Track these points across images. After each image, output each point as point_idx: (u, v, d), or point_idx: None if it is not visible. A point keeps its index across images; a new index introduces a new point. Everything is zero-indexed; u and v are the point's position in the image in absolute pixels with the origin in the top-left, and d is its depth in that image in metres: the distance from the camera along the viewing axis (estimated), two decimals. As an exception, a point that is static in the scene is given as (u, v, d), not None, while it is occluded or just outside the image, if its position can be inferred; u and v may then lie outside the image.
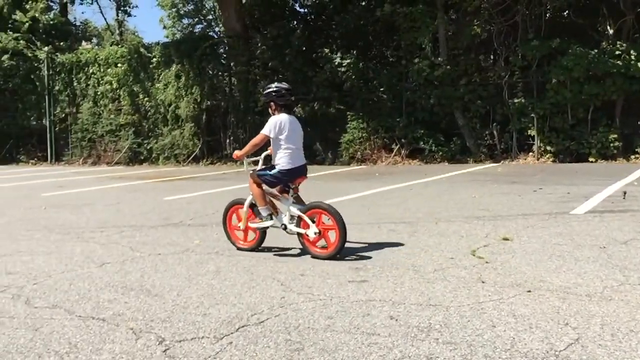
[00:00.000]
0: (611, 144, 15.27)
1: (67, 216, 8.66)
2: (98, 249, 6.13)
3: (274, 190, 5.75)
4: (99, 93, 22.72)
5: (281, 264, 5.17)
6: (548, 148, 15.97)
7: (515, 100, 16.33)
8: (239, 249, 5.91)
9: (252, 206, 5.80)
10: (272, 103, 5.70)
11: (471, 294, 4.12)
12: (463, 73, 16.94)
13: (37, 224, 7.92)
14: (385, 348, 3.18)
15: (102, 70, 22.62)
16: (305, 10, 21.17)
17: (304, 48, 19.07)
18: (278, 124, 5.54)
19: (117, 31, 36.64)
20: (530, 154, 16.29)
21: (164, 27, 36.98)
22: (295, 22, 20.63)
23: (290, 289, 4.38)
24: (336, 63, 17.88)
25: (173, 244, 6.27)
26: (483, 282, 4.39)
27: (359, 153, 17.86)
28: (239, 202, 5.98)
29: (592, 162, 15.24)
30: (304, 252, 5.59)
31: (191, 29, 34.92)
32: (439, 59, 17.10)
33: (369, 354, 3.11)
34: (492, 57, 18.14)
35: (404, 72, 17.75)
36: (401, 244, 5.88)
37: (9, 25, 24.15)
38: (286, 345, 3.27)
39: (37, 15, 24.60)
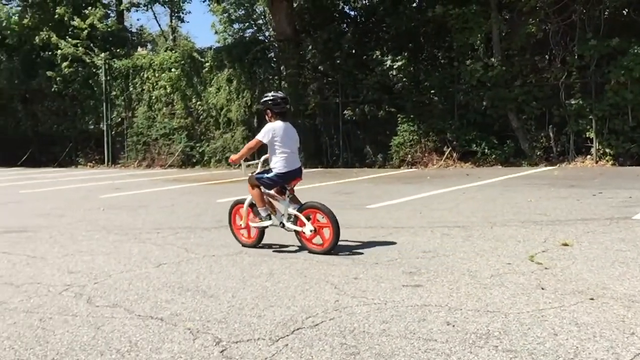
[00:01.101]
0: (674, 147, 14.65)
1: (124, 217, 8.90)
2: (154, 250, 6.27)
3: (272, 192, 6.08)
4: (153, 97, 23.34)
5: (334, 267, 5.16)
6: (607, 151, 15.44)
7: (573, 102, 15.83)
8: (243, 245, 6.28)
9: (252, 206, 6.17)
10: (268, 111, 6.05)
11: (530, 300, 4.00)
12: (518, 74, 16.57)
13: (96, 225, 8.17)
14: (443, 354, 3.12)
15: (156, 75, 23.22)
16: (356, 12, 21.16)
17: (354, 50, 19.05)
18: (271, 130, 5.90)
19: (171, 37, 37.50)
20: (589, 156, 15.78)
21: (216, 32, 37.62)
22: (345, 25, 20.65)
23: (344, 292, 4.36)
24: (387, 65, 17.76)
25: (226, 246, 6.34)
26: (543, 289, 4.26)
27: (409, 156, 17.72)
28: (241, 202, 6.35)
29: (654, 165, 14.65)
30: (302, 248, 5.92)
31: (242, 33, 35.38)
32: (492, 59, 16.78)
33: (426, 360, 3.07)
34: (547, 57, 17.66)
35: (455, 74, 17.51)
36: (455, 248, 5.77)
37: (69, 33, 25.03)
38: (342, 349, 3.25)
39: (95, 22, 25.43)
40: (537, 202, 8.84)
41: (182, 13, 35.21)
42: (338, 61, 18.81)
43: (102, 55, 24.57)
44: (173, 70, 22.51)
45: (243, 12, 36.03)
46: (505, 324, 3.54)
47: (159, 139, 23.05)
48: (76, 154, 25.78)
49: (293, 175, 6.01)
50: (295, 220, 5.89)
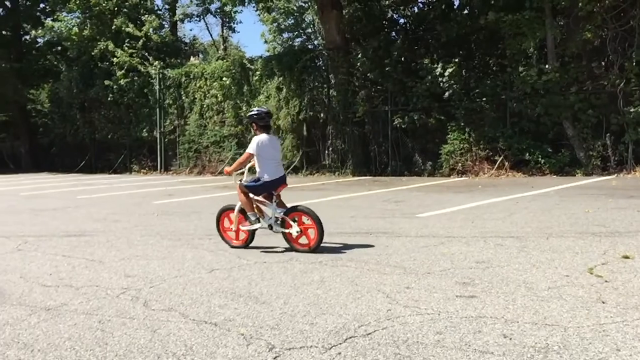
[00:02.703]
0: None
1: (177, 223, 9.08)
2: (207, 255, 6.36)
3: (261, 198, 6.65)
4: (204, 106, 23.78)
5: (385, 276, 5.12)
6: (668, 160, 14.83)
7: (632, 109, 15.28)
8: (232, 247, 6.78)
9: (242, 211, 6.73)
10: (253, 124, 6.75)
11: (591, 314, 3.87)
12: (573, 81, 16.12)
13: (151, 230, 8.36)
14: (500, 368, 3.05)
15: (208, 84, 23.67)
16: (405, 20, 21.05)
17: (404, 58, 18.94)
18: (259, 143, 6.52)
19: (222, 46, 38.22)
20: (648, 166, 15.18)
21: (265, 42, 38.14)
22: (395, 33, 20.57)
23: (396, 301, 4.32)
24: (437, 73, 17.58)
25: (278, 253, 6.39)
26: (603, 303, 4.11)
27: (459, 164, 17.44)
28: (229, 208, 6.94)
29: None
30: (289, 249, 6.46)
31: (291, 42, 35.74)
32: (547, 66, 16.38)
33: (483, 373, 3.00)
34: (604, 64, 17.11)
35: (508, 81, 17.18)
36: (510, 259, 5.64)
37: (126, 44, 25.79)
38: (395, 359, 3.21)
39: (149, 33, 26.18)
40: (594, 213, 8.55)
41: (233, 23, 35.81)
42: (387, 69, 18.71)
43: (156, 63, 25.24)
44: (224, 79, 22.89)
45: (292, 21, 36.42)
46: (565, 338, 3.43)
47: (210, 146, 23.47)
48: (130, 160, 26.52)
49: (279, 183, 6.62)
50: (283, 222, 6.49)
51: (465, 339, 3.48)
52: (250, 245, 6.77)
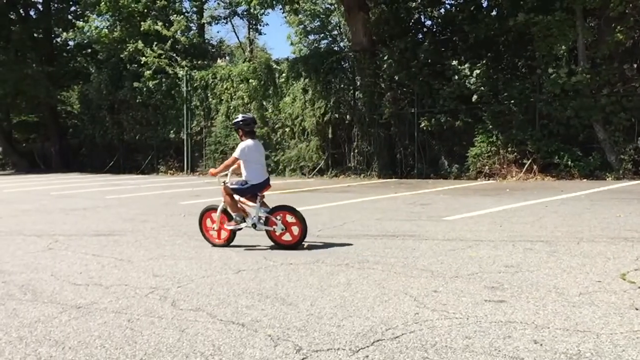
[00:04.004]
0: None
1: (204, 224, 9.13)
2: (234, 256, 6.39)
3: (245, 200, 6.99)
4: (231, 107, 23.93)
5: (412, 279, 5.08)
6: (703, 164, 14.46)
7: (665, 112, 14.96)
8: (214, 245, 7.05)
9: (224, 211, 7.03)
10: (239, 130, 7.10)
11: (624, 321, 3.79)
12: (605, 83, 15.83)
13: (178, 231, 8.44)
14: (531, 374, 3.00)
15: (234, 85, 23.82)
16: (432, 22, 20.92)
17: (430, 60, 18.81)
18: (245, 148, 6.89)
19: (248, 48, 38.48)
20: (682, 170, 14.84)
21: (291, 44, 38.29)
22: (421, 35, 20.45)
23: (424, 305, 4.28)
24: (464, 74, 17.40)
25: (304, 254, 6.39)
26: (637, 309, 4.02)
27: (486, 167, 17.25)
28: (212, 208, 7.22)
29: None
30: (274, 247, 6.81)
31: (317, 44, 35.81)
32: (578, 68, 16.11)
33: (513, 379, 2.95)
34: (636, 65, 16.78)
35: (537, 83, 16.94)
36: (540, 264, 5.55)
37: (154, 46, 26.08)
38: (424, 363, 3.18)
39: (177, 35, 26.45)
40: (626, 218, 8.38)
41: (260, 25, 36.01)
42: (414, 70, 18.60)
43: (184, 63, 25.48)
44: (250, 81, 23.00)
45: (318, 23, 36.49)
46: (598, 345, 3.36)
47: (236, 147, 23.57)
48: (157, 161, 26.82)
49: (263, 185, 6.98)
50: (267, 221, 6.82)
51: (495, 344, 3.43)
52: (232, 243, 7.03)
